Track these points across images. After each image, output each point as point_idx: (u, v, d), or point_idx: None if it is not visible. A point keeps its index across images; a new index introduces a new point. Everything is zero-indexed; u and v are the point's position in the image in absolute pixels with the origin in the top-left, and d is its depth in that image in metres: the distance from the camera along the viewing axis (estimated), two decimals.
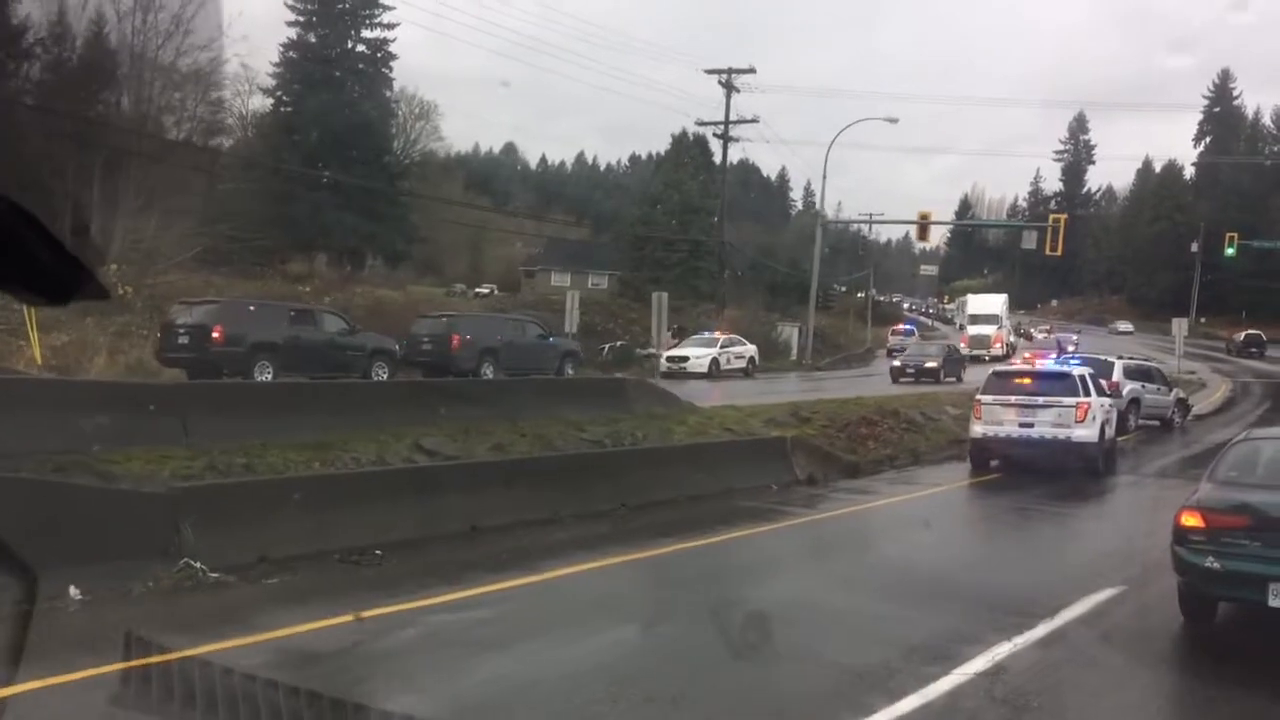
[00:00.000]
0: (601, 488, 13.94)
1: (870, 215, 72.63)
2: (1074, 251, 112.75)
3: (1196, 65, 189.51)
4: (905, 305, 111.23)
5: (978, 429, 19.67)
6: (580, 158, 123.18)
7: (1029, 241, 47.48)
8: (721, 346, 38.56)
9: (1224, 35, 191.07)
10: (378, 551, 10.63)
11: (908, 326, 61.83)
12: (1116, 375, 26.76)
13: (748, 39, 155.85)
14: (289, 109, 66.16)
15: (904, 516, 15.46)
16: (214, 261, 57.36)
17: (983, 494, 18.09)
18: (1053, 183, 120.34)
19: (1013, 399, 19.38)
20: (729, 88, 50.48)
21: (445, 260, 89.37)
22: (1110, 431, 20.73)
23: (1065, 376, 19.63)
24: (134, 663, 5.80)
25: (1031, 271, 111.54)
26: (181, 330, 23.20)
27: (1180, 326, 47.12)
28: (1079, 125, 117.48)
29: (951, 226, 49.90)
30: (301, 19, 66.10)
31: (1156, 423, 28.65)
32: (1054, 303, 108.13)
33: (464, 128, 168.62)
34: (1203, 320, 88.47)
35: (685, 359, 37.31)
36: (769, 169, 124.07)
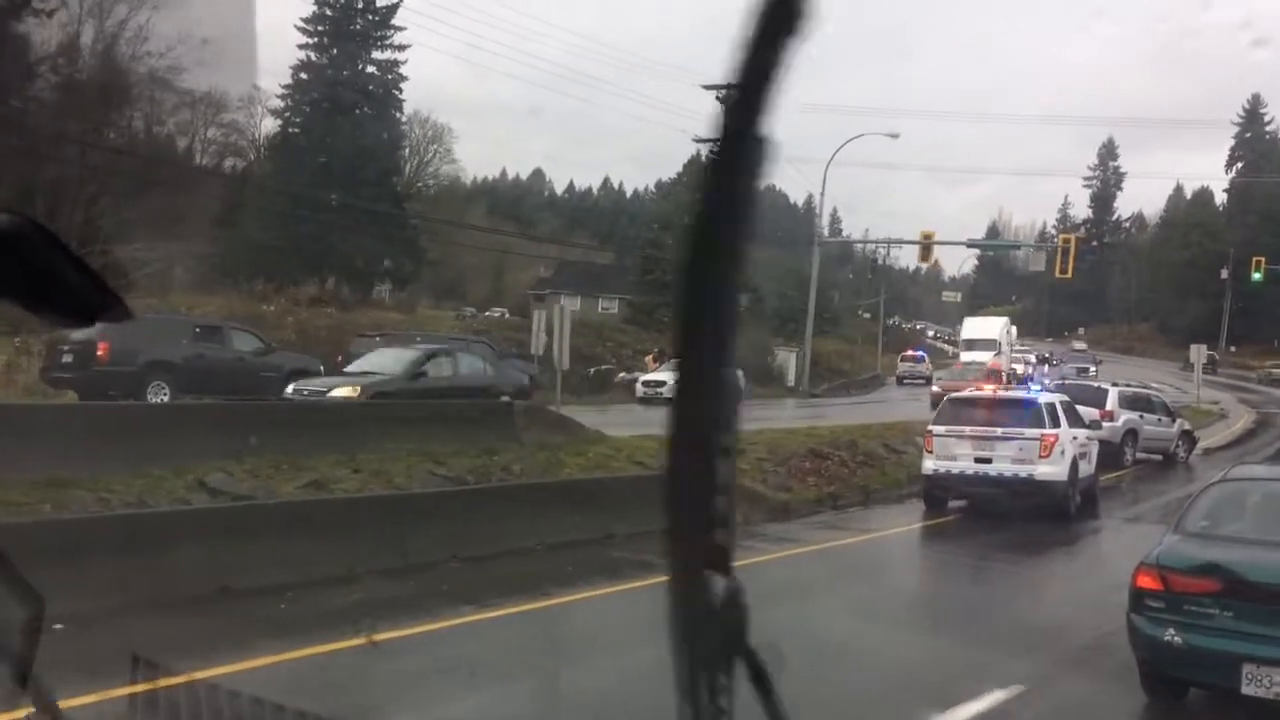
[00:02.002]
0: (433, 535, 11.21)
1: (889, 241, 69.52)
2: (1103, 279, 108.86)
3: (1223, 92, 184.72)
4: (930, 332, 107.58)
5: (929, 464, 16.73)
6: (606, 183, 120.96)
7: (1037, 263, 44.34)
8: None
9: (1250, 70, 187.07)
10: (57, 626, 7.96)
11: (919, 353, 58.34)
12: (1110, 403, 23.67)
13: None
14: (297, 130, 64.56)
15: (807, 573, 12.56)
16: (224, 285, 55.54)
17: (918, 543, 15.13)
18: (1081, 209, 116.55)
19: (967, 430, 16.41)
20: (726, 103, 47.77)
21: (467, 284, 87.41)
22: (1087, 468, 17.70)
23: (1029, 404, 16.63)
24: None
25: (1060, 300, 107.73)
26: (66, 348, 20.81)
27: (1199, 354, 43.51)
28: (1108, 151, 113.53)
29: (965, 248, 45.84)
30: (312, 40, 64.48)
31: (1158, 457, 25.42)
32: (1082, 331, 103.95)
33: (493, 155, 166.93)
34: (1233, 349, 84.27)
35: (663, 384, 34.44)
36: (797, 195, 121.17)
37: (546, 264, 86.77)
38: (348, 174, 60.82)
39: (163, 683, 2.61)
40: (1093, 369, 44.27)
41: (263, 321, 34.96)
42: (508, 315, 71.83)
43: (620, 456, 16.11)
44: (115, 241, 44.92)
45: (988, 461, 16.16)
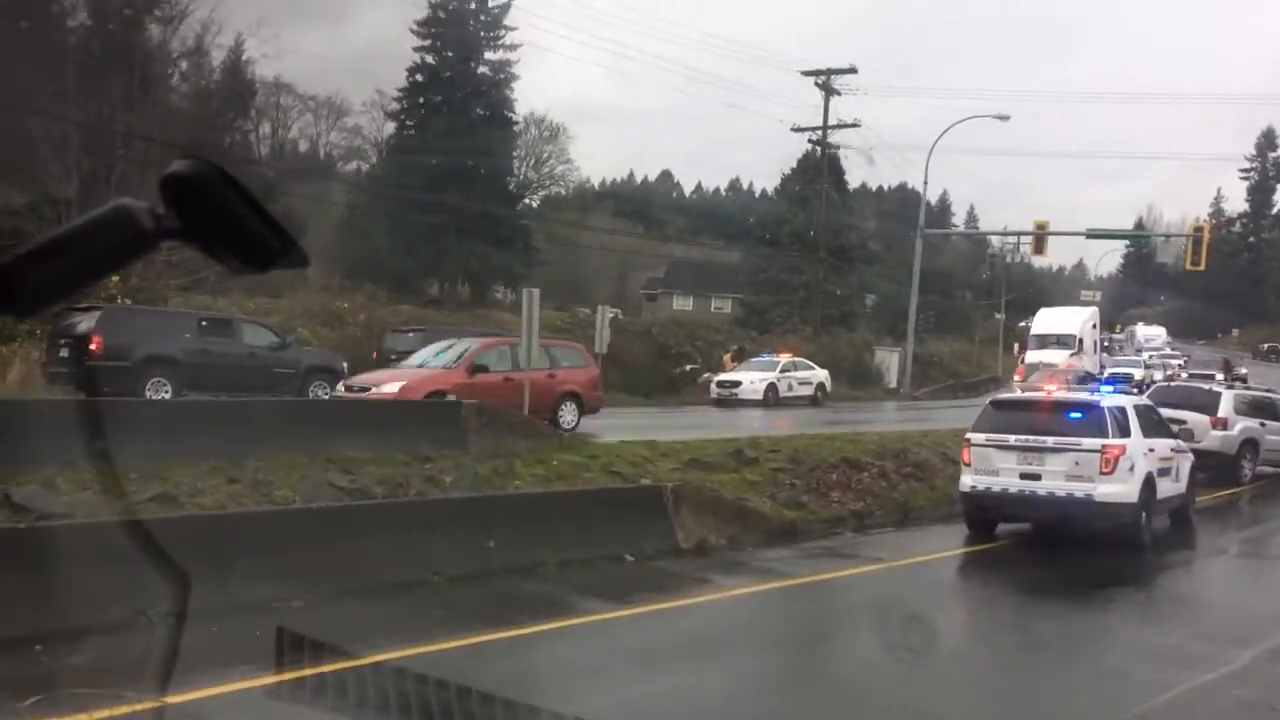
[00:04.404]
0: (281, 564, 8.93)
1: (999, 233, 64.62)
2: (1261, 277, 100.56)
3: None
4: None
5: (966, 479, 13.66)
6: (735, 184, 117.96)
7: (1164, 255, 39.76)
8: (782, 371, 32.58)
9: None
10: None
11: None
12: (1224, 409, 19.95)
13: (923, 65, 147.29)
14: (413, 133, 63.98)
15: (731, 624, 9.72)
16: (346, 287, 55.17)
17: (930, 583, 11.96)
18: (1237, 203, 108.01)
19: (1012, 439, 13.29)
20: (827, 90, 44.73)
21: (591, 286, 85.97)
22: (1173, 486, 14.36)
23: (1089, 409, 13.39)
24: None
25: (1213, 300, 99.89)
26: (63, 342, 19.45)
27: None
28: (1267, 141, 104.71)
29: (1084, 237, 40.21)
30: (426, 43, 63.70)
31: None
32: (1235, 332, 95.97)
33: (623, 157, 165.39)
34: None
35: (737, 384, 31.69)
36: (931, 194, 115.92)
37: (672, 265, 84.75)
38: (461, 175, 59.87)
39: None
40: (1220, 376, 36.67)
41: (333, 318, 33.61)
42: (621, 315, 69.89)
43: (594, 466, 13.58)
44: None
45: (1036, 478, 13.03)
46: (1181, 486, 14.81)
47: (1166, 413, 19.36)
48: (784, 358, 33.63)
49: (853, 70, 45.79)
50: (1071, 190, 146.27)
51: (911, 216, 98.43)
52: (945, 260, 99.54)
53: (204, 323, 21.01)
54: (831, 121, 49.86)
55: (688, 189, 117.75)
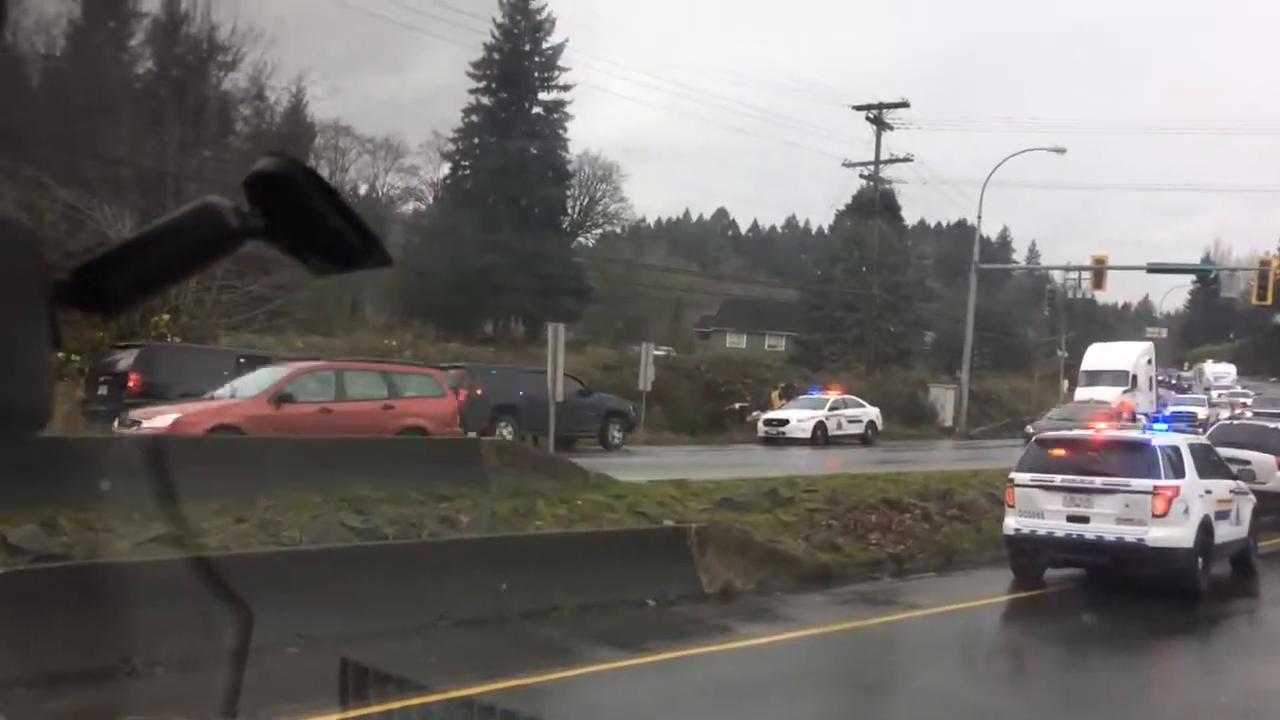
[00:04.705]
0: (288, 607, 8.58)
1: (1056, 268, 63.16)
2: None
3: None
4: None
5: (1010, 522, 12.97)
6: (791, 221, 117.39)
7: (1228, 289, 38.48)
8: (831, 409, 31.83)
9: None
10: None
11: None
12: None
13: (984, 100, 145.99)
14: (467, 172, 64.52)
15: (791, 670, 9.21)
16: (394, 325, 55.45)
17: (964, 634, 11.24)
18: None
19: (1058, 479, 12.59)
20: (879, 124, 44.21)
21: (645, 323, 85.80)
22: (1232, 530, 13.53)
23: (1140, 447, 12.66)
24: None
25: None
26: (103, 379, 19.44)
27: None
28: None
29: (1145, 271, 38.36)
30: (481, 84, 64.29)
31: None
32: None
33: (679, 195, 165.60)
34: None
35: (784, 422, 30.99)
36: (990, 230, 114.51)
37: (717, 302, 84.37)
38: (515, 214, 60.22)
39: None
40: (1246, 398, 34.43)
41: (380, 356, 33.55)
42: (674, 353, 69.52)
43: (620, 506, 13.10)
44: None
45: (1084, 520, 12.31)
46: (1242, 530, 13.97)
47: (1228, 452, 18.40)
48: (833, 395, 32.90)
49: (905, 105, 45.28)
50: (1137, 225, 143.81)
51: (971, 253, 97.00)
52: (1006, 297, 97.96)
53: (242, 360, 20.94)
54: (885, 156, 49.33)
55: (743, 226, 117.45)
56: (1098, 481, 12.32)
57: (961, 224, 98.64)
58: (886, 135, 47.30)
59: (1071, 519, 12.37)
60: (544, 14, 63.95)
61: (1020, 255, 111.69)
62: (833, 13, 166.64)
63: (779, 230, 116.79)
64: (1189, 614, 12.20)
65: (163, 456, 10.24)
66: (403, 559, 10.14)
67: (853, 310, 60.81)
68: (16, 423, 0.93)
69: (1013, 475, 13.11)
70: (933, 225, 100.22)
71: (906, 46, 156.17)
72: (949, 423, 40.46)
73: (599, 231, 78.38)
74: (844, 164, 48.31)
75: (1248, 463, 17.94)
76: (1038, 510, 12.62)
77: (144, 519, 9.79)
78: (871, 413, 33.28)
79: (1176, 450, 12.79)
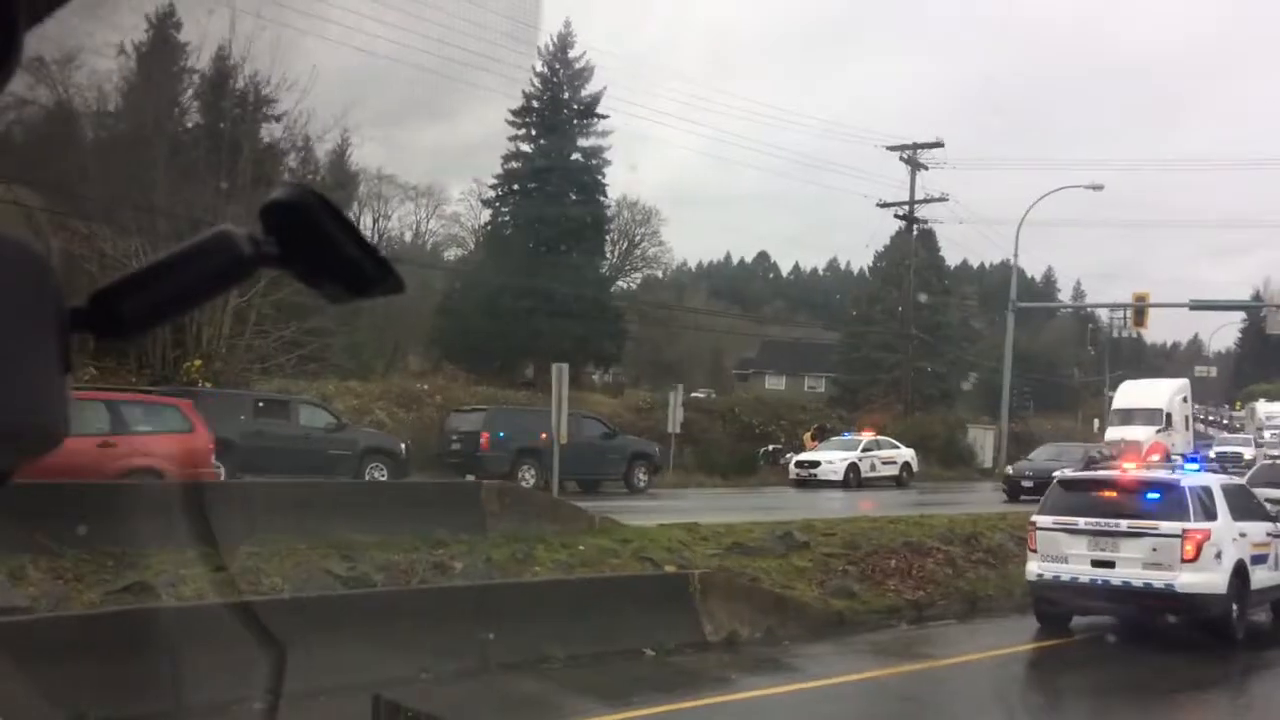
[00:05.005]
0: (206, 661, 8.17)
1: (1122, 309, 61.88)
2: None
3: None
4: None
5: (1033, 567, 12.31)
6: (833, 263, 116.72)
7: (1274, 326, 37.38)
8: (864, 450, 31.06)
9: None
10: None
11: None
12: None
13: (1024, 137, 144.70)
14: (507, 218, 64.85)
15: None
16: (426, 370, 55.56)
17: (985, 683, 10.57)
18: None
19: (1081, 523, 11.94)
20: (913, 164, 43.68)
21: (685, 366, 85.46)
22: (1269, 576, 12.71)
23: (1168, 488, 11.98)
24: None
25: None
26: None
27: None
28: None
29: (1188, 309, 36.96)
30: (520, 131, 64.73)
31: None
32: None
33: (719, 238, 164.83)
34: None
35: (816, 464, 30.27)
36: (1034, 269, 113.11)
37: (757, 345, 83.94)
38: (554, 259, 60.35)
39: None
40: None
41: (412, 400, 33.39)
42: (713, 396, 69.03)
43: (625, 551, 12.61)
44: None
45: (1109, 566, 11.64)
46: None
47: (1270, 493, 17.62)
48: (866, 436, 32.15)
49: (939, 144, 44.71)
50: (1185, 265, 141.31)
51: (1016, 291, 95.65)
52: (1051, 337, 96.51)
53: (260, 404, 20.75)
54: (923, 196, 48.75)
55: (785, 269, 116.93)
56: (1123, 524, 11.66)
57: (1004, 264, 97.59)
58: (926, 175, 46.80)
59: (1096, 564, 11.71)
60: (582, 62, 64.41)
61: (1065, 294, 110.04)
62: (873, 55, 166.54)
63: (820, 273, 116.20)
64: (1223, 665, 11.47)
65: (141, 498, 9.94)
66: (380, 608, 9.73)
67: (891, 351, 60.06)
68: (30, 443, 0.97)
69: (1034, 518, 12.47)
70: (975, 266, 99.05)
71: (952, 90, 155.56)
72: (988, 464, 39.47)
73: (638, 276, 78.33)
74: (878, 204, 47.76)
75: None
76: (1061, 555, 11.97)
77: (118, 567, 9.48)
78: (906, 454, 32.47)
79: (1208, 491, 12.09)
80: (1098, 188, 39.99)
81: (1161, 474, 12.57)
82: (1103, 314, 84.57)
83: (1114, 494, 12.14)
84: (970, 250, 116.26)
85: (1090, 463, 20.14)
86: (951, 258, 76.83)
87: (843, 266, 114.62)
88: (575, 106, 65.12)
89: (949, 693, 10.03)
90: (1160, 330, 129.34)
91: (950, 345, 64.55)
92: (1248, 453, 35.22)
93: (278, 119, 52.94)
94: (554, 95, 64.75)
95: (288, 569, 10.20)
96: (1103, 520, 11.81)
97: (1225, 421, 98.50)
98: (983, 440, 42.15)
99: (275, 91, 46.11)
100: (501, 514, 12.54)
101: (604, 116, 64.66)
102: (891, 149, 44.92)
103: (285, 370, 32.06)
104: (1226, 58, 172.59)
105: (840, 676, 10.18)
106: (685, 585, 11.30)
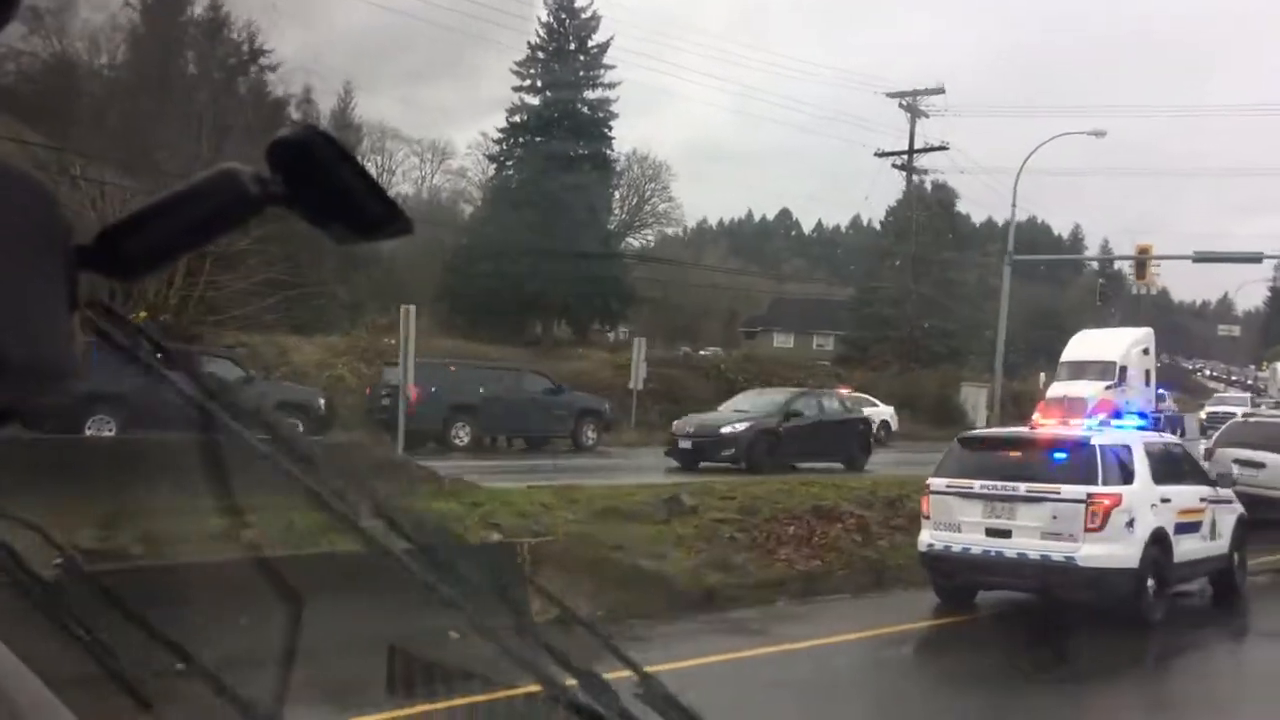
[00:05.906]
0: None
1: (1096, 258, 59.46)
2: None
3: None
4: (1205, 371, 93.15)
5: (925, 537, 10.72)
6: (856, 220, 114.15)
7: None
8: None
9: None
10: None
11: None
12: None
13: (1054, 90, 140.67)
14: (512, 173, 63.33)
15: None
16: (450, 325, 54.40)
17: (842, 670, 9.03)
18: None
19: (977, 486, 10.31)
20: (913, 111, 41.61)
21: (699, 324, 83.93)
22: (1205, 546, 11.07)
23: (1075, 446, 10.29)
24: None
25: None
26: None
27: None
28: None
29: (1190, 260, 33.89)
30: (525, 84, 63.00)
31: None
32: None
33: (741, 195, 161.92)
34: None
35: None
36: (1061, 226, 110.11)
37: (767, 302, 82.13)
38: (560, 214, 58.71)
39: None
40: None
41: (378, 355, 32.09)
42: (720, 352, 67.44)
43: (472, 517, 11.15)
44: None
45: (1005, 535, 10.02)
46: (1221, 546, 11.46)
47: (1242, 453, 15.86)
48: (841, 394, 30.33)
49: (939, 90, 42.58)
50: (1215, 220, 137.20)
51: (1038, 249, 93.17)
52: (1076, 295, 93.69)
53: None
54: (928, 147, 46.69)
55: (807, 226, 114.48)
56: (1021, 488, 10.02)
57: (1032, 221, 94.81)
58: (937, 126, 44.92)
59: (991, 533, 10.09)
60: (589, 12, 62.46)
61: (1093, 252, 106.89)
62: (904, 9, 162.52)
63: (843, 230, 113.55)
64: (1139, 650, 9.85)
65: None
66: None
67: (901, 307, 58.16)
68: (39, 378, 0.92)
69: (929, 481, 10.85)
70: (1000, 222, 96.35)
71: (996, 46, 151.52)
72: (981, 422, 37.63)
73: (649, 232, 76.61)
74: (876, 153, 45.73)
75: (1261, 464, 15.41)
76: (954, 523, 10.37)
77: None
78: (884, 412, 30.70)
79: (1127, 450, 10.40)
80: (1100, 134, 37.75)
81: (1071, 432, 10.86)
82: (1125, 271, 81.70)
83: (1017, 454, 10.50)
84: (996, 209, 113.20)
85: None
86: (977, 215, 74.45)
87: (865, 224, 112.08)
88: (582, 57, 63.24)
89: (784, 680, 8.46)
90: (1191, 288, 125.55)
91: (964, 304, 62.36)
92: (1241, 412, 32.70)
93: (274, 69, 51.73)
94: (559, 46, 62.90)
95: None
96: (1000, 484, 10.18)
97: (1250, 382, 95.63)
98: (975, 398, 40.28)
99: (271, 42, 44.83)
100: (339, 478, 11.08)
101: (610, 67, 62.76)
102: (891, 95, 42.83)
103: (240, 322, 30.83)
104: None
105: (668, 663, 8.64)
106: (513, 556, 9.80)
